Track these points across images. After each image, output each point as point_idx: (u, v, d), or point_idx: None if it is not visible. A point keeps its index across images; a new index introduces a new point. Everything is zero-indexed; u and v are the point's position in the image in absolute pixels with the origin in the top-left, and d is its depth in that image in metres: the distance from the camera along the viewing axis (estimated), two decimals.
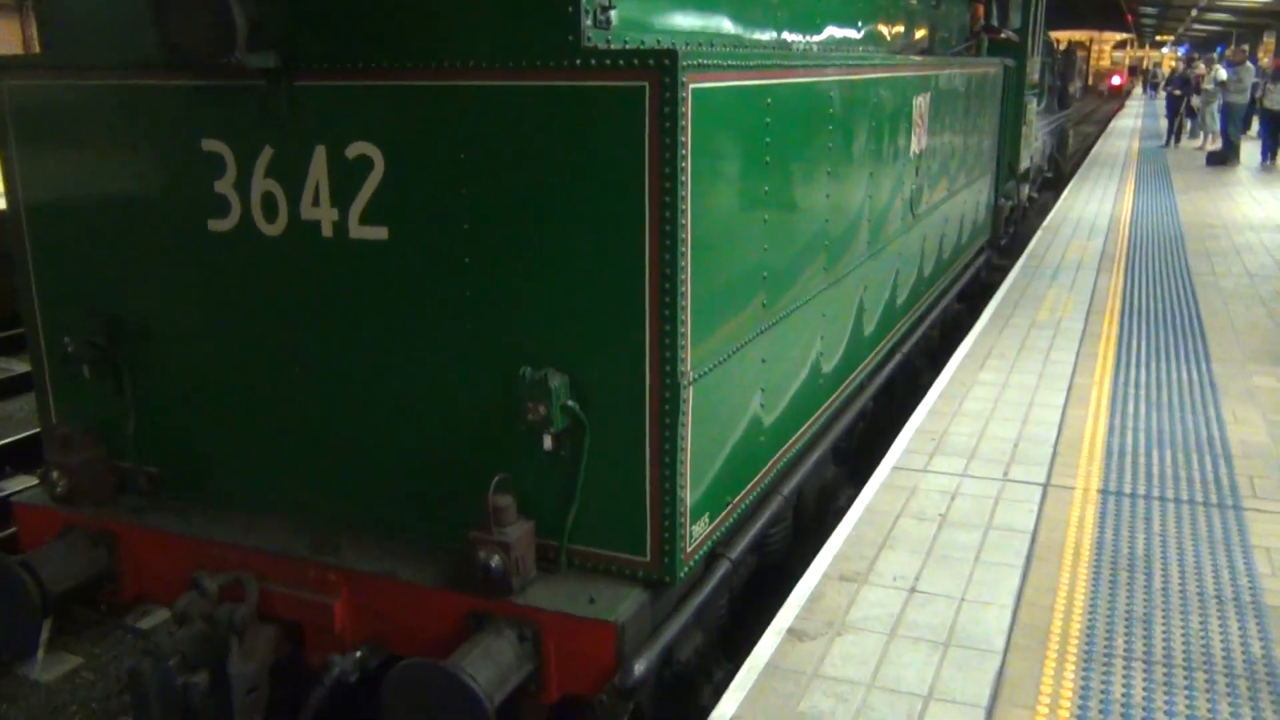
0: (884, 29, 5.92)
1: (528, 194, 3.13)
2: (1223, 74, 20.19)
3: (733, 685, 3.29)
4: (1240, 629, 3.56)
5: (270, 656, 3.42)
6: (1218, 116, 19.91)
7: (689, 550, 3.33)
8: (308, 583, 3.44)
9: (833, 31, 4.99)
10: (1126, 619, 3.63)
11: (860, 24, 5.41)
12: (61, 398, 4.08)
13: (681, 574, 3.30)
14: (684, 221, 3.01)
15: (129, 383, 3.86)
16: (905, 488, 4.77)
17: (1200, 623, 3.60)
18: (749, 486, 3.86)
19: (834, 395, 4.93)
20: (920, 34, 6.78)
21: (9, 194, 3.96)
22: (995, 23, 8.73)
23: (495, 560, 3.12)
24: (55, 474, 3.82)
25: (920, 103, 6.09)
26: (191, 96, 3.51)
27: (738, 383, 3.66)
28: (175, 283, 3.74)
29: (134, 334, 3.83)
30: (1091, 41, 44.93)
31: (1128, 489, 4.73)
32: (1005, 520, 4.42)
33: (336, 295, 3.46)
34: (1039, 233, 11.61)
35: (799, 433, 4.42)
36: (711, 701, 3.26)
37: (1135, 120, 32.06)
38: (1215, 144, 20.07)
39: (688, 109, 2.96)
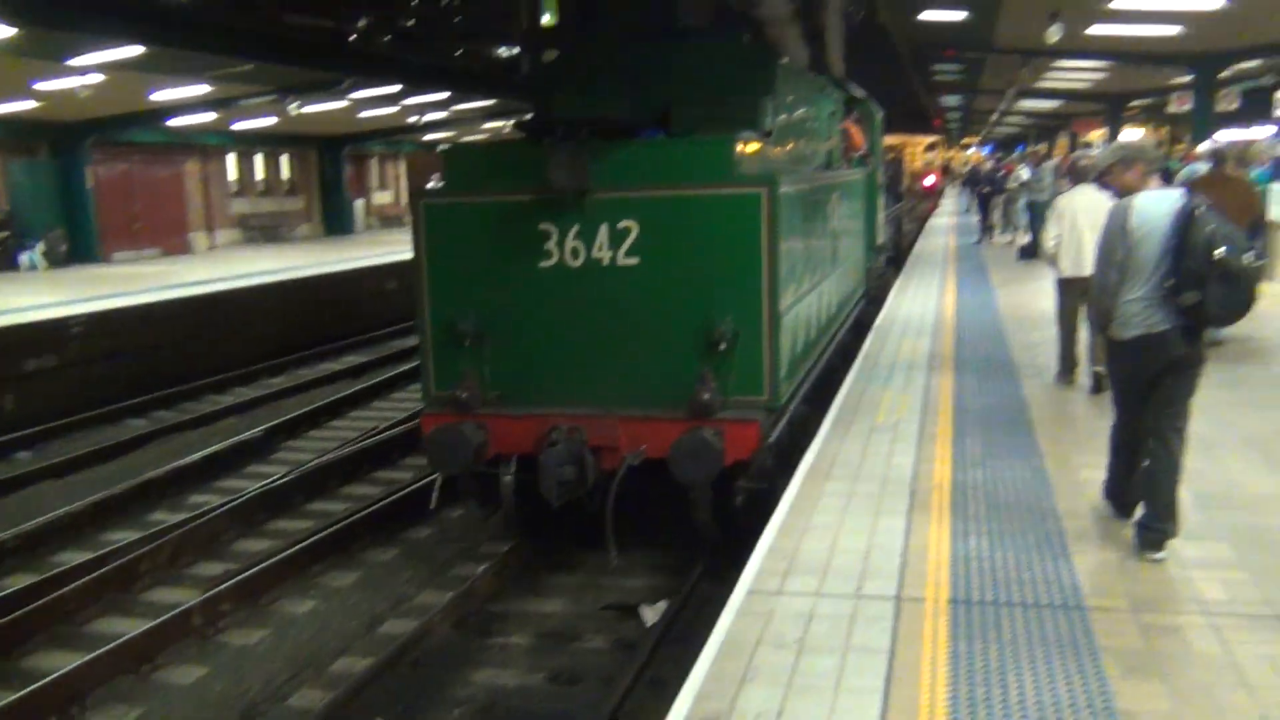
0: (824, 153, 10.58)
1: (711, 239, 6.68)
2: (1024, 174, 21.56)
3: None
4: None
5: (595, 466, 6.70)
6: (1024, 213, 21.18)
7: (784, 393, 7.03)
8: (605, 427, 6.72)
9: (815, 158, 10.03)
10: None
11: (818, 154, 10.23)
12: (440, 365, 7.22)
13: (779, 403, 6.93)
14: (776, 248, 6.64)
15: (488, 349, 7.05)
16: (762, 613, 4.68)
17: None
18: (797, 379, 7.69)
19: (816, 348, 8.73)
20: (832, 153, 11.00)
21: (415, 250, 7.21)
22: (859, 141, 13.07)
23: (705, 398, 6.53)
24: (463, 394, 6.96)
25: (836, 196, 9.98)
26: (534, 203, 6.82)
27: (790, 328, 7.17)
28: (516, 294, 6.99)
29: (492, 323, 7.01)
30: (904, 145, 47.59)
31: (976, 596, 4.76)
32: (862, 640, 4.37)
33: (612, 292, 6.82)
34: (870, 334, 12.00)
35: (807, 362, 8.19)
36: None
37: (950, 218, 33.93)
38: (1024, 239, 21.31)
39: (776, 199, 6.63)
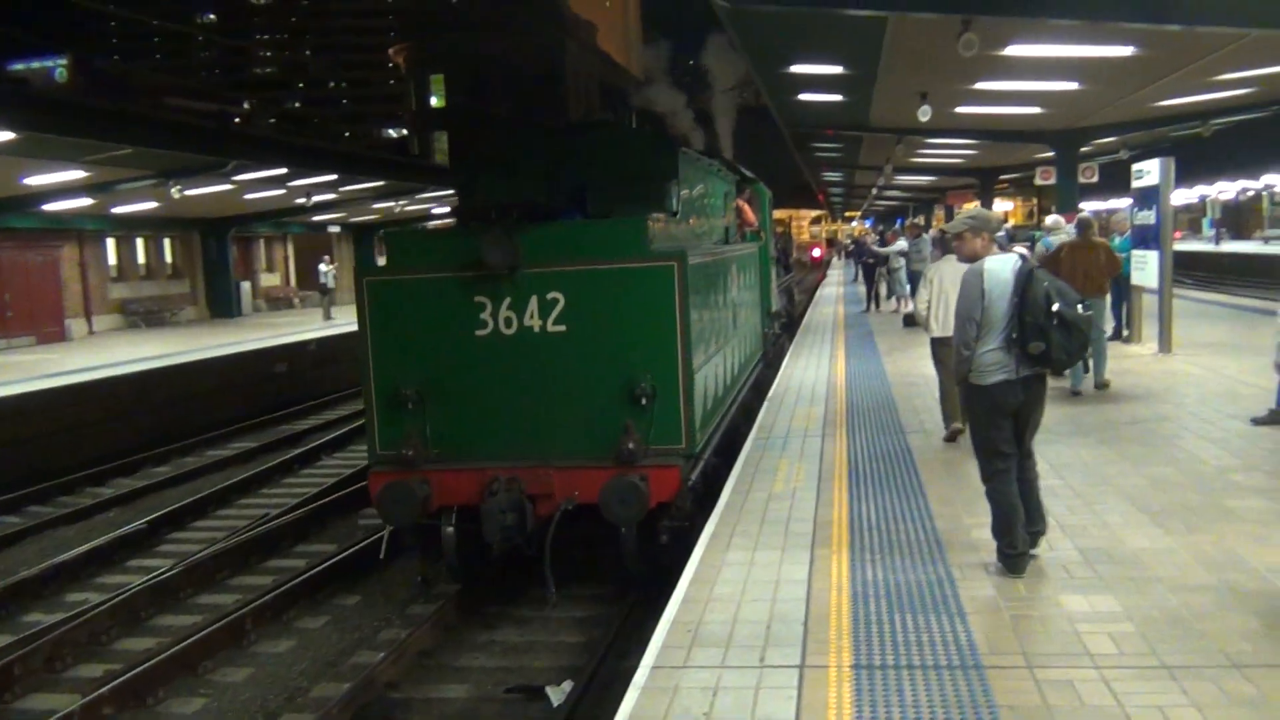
0: (721, 229, 11.91)
1: (630, 308, 7.43)
2: (903, 245, 22.33)
3: None
4: None
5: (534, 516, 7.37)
6: (906, 283, 21.92)
7: (699, 441, 7.77)
8: (540, 477, 7.37)
9: (714, 233, 11.22)
10: None
11: (716, 230, 11.48)
12: (386, 426, 7.74)
13: (695, 450, 7.67)
14: (687, 314, 7.40)
15: (430, 411, 7.65)
16: (667, 689, 4.66)
17: None
18: (713, 423, 8.64)
19: (724, 404, 9.52)
20: (728, 229, 12.44)
21: (360, 324, 7.78)
22: (751, 217, 14.28)
23: (630, 447, 7.22)
24: (408, 452, 7.53)
25: (734, 268, 10.81)
26: (469, 279, 7.50)
27: (701, 384, 7.95)
28: (455, 360, 7.64)
29: (432, 387, 7.65)
30: (791, 219, 48.91)
31: (878, 660, 4.82)
32: (767, 712, 4.37)
33: (543, 356, 7.49)
34: (765, 403, 12.19)
35: (717, 416, 8.98)
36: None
37: (838, 288, 34.89)
38: (908, 307, 22.02)
39: (686, 271, 7.39)
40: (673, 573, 6.37)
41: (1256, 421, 9.20)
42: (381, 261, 8.74)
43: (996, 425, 5.88)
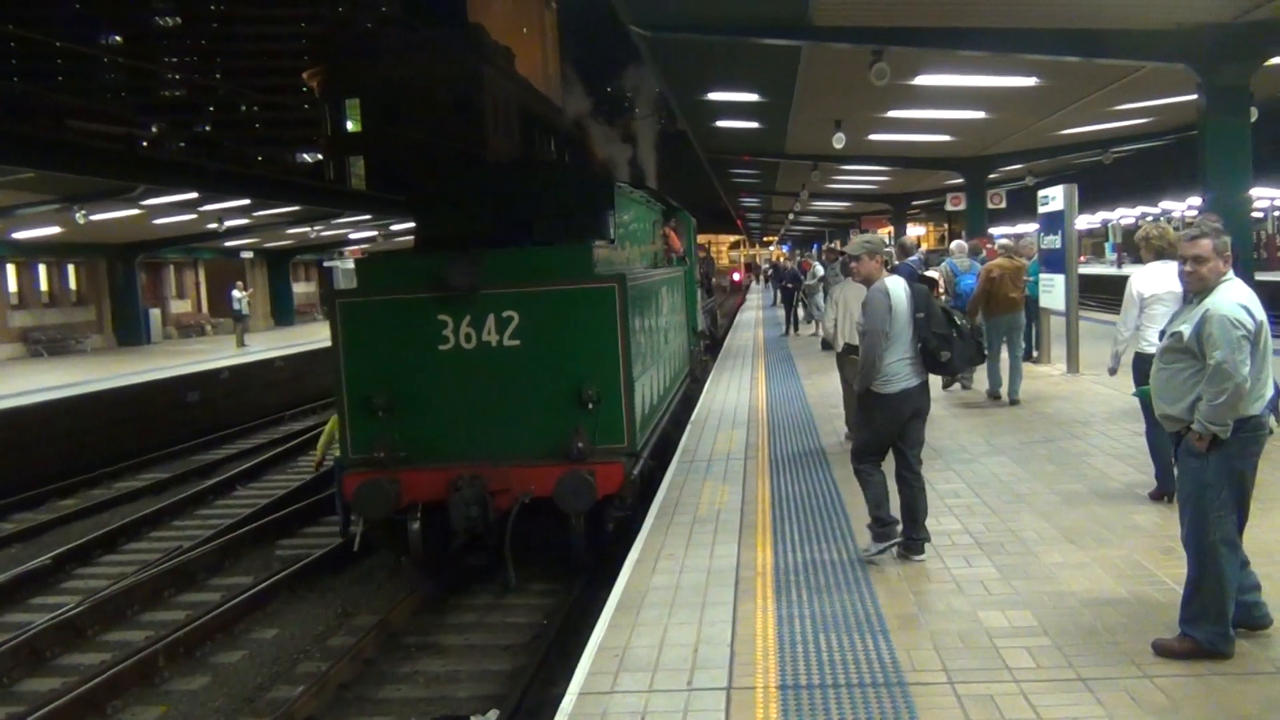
0: (652, 254, 13.12)
1: (577, 324, 8.32)
2: (819, 270, 22.70)
3: None
4: None
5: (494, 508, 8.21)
6: (823, 306, 22.23)
7: (640, 441, 8.65)
8: (500, 474, 8.16)
9: (646, 258, 12.19)
10: None
11: (647, 255, 12.65)
12: (358, 432, 8.52)
13: (637, 448, 8.56)
14: (627, 330, 8.30)
15: (397, 417, 8.40)
16: (595, 715, 4.63)
17: None
18: (650, 427, 9.52)
19: (659, 410, 10.50)
20: (657, 254, 13.57)
21: (333, 340, 8.60)
22: (676, 244, 15.25)
23: (579, 446, 8.09)
24: (379, 454, 8.32)
25: (664, 290, 11.72)
26: (433, 300, 8.28)
27: (640, 390, 8.84)
28: (421, 372, 8.43)
29: (400, 396, 8.41)
30: (710, 243, 49.38)
31: (804, 680, 4.86)
32: None
33: (500, 367, 8.31)
34: (688, 428, 12.25)
35: (653, 420, 9.93)
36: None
37: (757, 311, 35.28)
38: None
39: (630, 291, 8.47)
40: (615, 561, 7.20)
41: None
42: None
43: (890, 428, 6.57)
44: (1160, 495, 7.53)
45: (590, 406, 8.24)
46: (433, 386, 8.45)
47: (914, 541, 6.56)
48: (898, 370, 6.39)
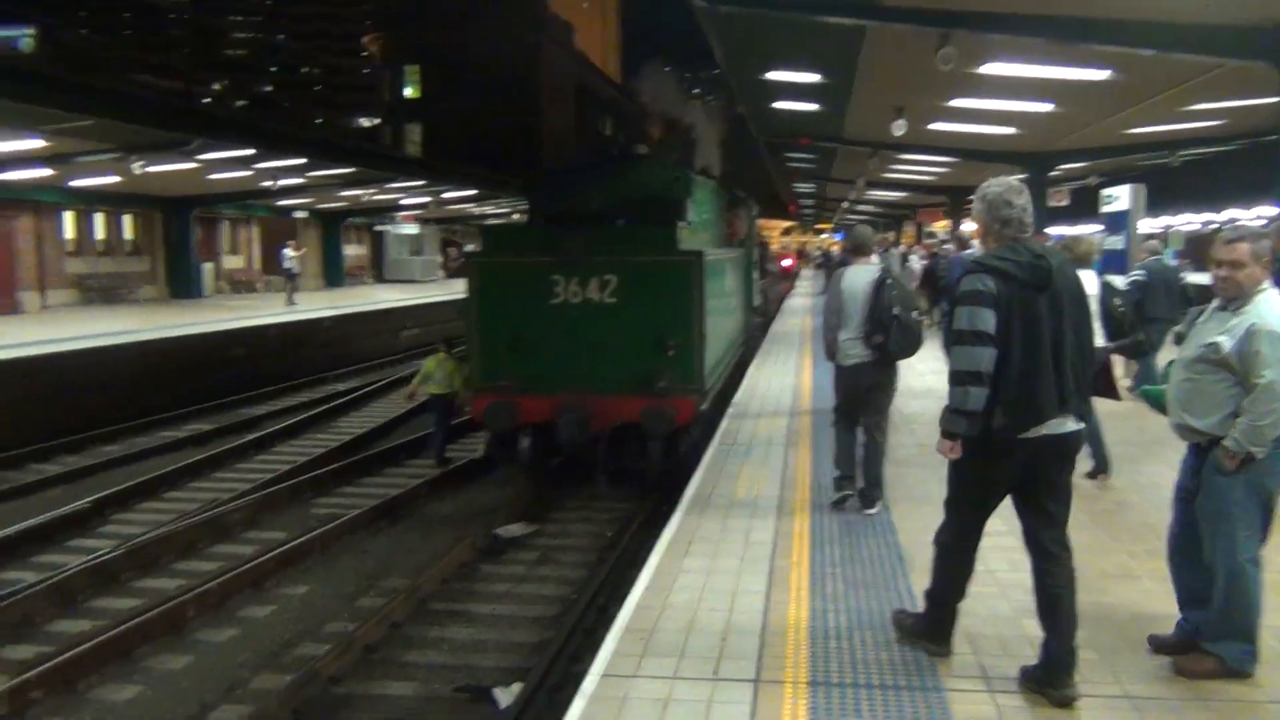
0: (719, 236, 14.99)
1: (662, 288, 10.43)
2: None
3: None
4: None
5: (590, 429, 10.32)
6: None
7: (707, 385, 10.71)
8: (598, 402, 10.18)
9: (715, 240, 14.58)
10: None
11: (716, 237, 14.54)
12: (487, 364, 10.61)
13: (705, 388, 10.65)
14: (702, 295, 10.42)
15: (518, 354, 10.44)
16: (616, 698, 4.52)
17: None
18: (715, 375, 11.51)
19: (723, 362, 12.50)
20: (724, 236, 15.65)
21: (469, 292, 10.80)
22: (738, 228, 17.35)
23: (662, 383, 10.14)
24: (504, 382, 10.43)
25: (729, 267, 13.95)
26: (549, 263, 10.44)
27: (710, 344, 10.77)
28: (537, 319, 10.46)
29: (523, 337, 10.47)
30: (763, 228, 48.96)
31: (835, 678, 4.71)
32: None
33: (600, 319, 10.34)
34: (729, 409, 12.09)
35: (719, 369, 12.02)
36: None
37: (806, 299, 34.92)
38: None
39: (705, 265, 10.54)
40: (681, 483, 8.74)
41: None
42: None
43: (850, 396, 7.65)
44: (1095, 474, 8.23)
45: (670, 354, 10.17)
46: (545, 331, 10.42)
47: (867, 496, 7.53)
48: (849, 348, 7.44)
